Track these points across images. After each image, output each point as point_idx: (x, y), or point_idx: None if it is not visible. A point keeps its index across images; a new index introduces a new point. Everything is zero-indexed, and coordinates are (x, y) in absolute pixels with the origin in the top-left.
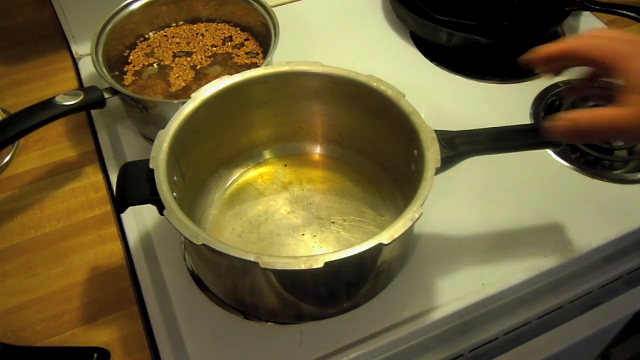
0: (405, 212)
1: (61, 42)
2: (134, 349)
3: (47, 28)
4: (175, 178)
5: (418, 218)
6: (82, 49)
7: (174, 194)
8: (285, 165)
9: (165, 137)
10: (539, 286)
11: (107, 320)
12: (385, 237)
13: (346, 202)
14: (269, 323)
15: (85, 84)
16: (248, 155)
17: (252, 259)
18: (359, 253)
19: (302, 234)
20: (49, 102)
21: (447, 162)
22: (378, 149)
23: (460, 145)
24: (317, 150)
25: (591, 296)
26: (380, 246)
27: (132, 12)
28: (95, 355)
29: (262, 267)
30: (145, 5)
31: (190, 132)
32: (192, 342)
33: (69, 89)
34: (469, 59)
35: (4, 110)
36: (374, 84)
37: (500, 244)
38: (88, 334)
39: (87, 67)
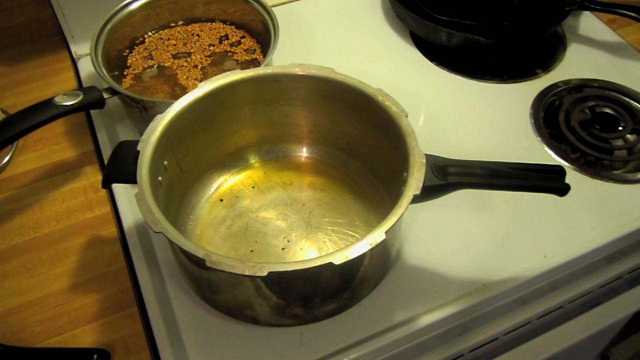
0: (369, 234)
1: (60, 42)
2: (134, 349)
3: (46, 28)
4: (165, 163)
5: (379, 243)
6: (81, 49)
7: (159, 177)
8: (287, 167)
9: (161, 121)
10: (539, 286)
11: (107, 321)
12: (339, 257)
13: (341, 212)
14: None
15: (85, 84)
16: (249, 152)
17: (200, 255)
18: (306, 268)
19: (288, 240)
20: (48, 103)
21: (434, 190)
22: (382, 164)
23: (451, 176)
24: (323, 157)
25: (591, 296)
26: (330, 265)
27: (131, 12)
28: (95, 356)
29: (208, 265)
30: (144, 5)
31: (190, 121)
32: (192, 342)
33: (68, 89)
34: (469, 59)
35: (3, 111)
36: (380, 98)
37: (499, 244)
38: (88, 335)
39: (86, 67)
